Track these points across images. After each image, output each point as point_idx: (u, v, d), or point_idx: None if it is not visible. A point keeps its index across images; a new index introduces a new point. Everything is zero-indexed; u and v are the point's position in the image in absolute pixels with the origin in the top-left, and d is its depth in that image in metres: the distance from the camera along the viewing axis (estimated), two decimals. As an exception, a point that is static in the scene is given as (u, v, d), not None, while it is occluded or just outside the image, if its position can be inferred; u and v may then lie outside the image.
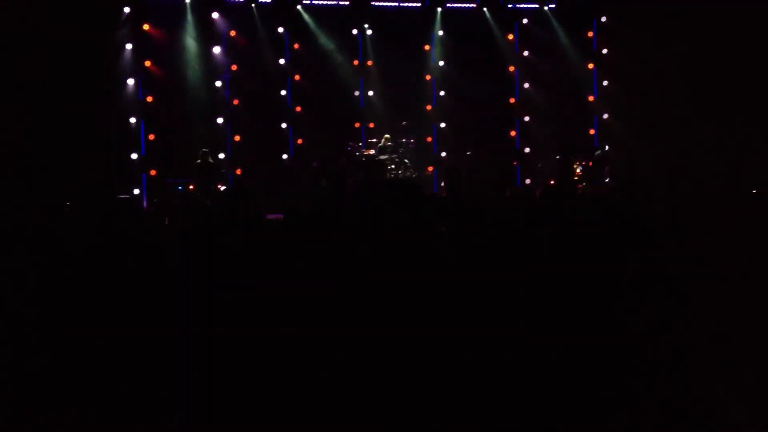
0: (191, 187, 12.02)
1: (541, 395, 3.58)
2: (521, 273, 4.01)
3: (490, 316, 3.76)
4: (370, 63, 13.81)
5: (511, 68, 14.49)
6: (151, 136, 12.35)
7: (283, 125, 13.36)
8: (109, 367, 3.91)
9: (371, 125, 13.59)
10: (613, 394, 3.50)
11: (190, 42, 12.55)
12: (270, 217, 8.00)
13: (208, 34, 12.78)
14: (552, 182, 13.03)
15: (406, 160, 12.85)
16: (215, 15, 12.81)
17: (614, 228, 4.53)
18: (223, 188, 11.81)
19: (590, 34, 14.61)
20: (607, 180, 13.08)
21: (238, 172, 12.77)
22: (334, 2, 13.53)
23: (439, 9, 14.11)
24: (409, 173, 12.64)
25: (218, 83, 12.79)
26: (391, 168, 12.61)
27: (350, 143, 12.89)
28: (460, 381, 3.49)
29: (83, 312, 4.23)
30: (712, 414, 3.37)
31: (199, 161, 11.81)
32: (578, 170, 13.58)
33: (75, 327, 4.10)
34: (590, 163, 13.46)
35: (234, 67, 12.89)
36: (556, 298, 3.97)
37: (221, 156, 12.71)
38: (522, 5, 14.40)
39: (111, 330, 4.02)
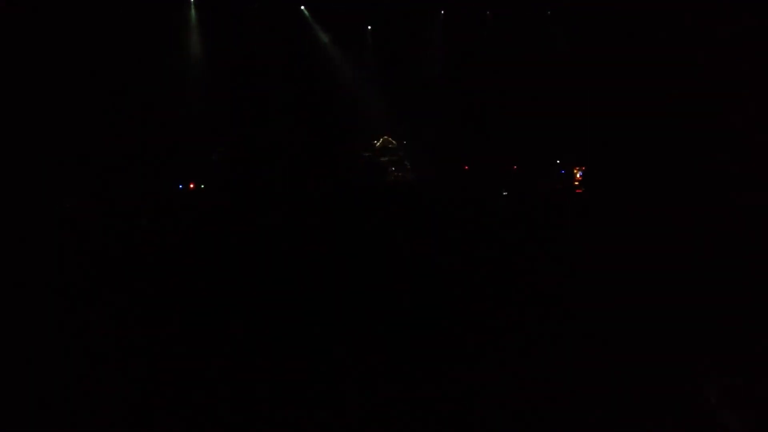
0: (191, 185, 12.04)
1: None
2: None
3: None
4: (370, 63, 13.86)
5: (512, 71, 14.52)
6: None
7: (280, 124, 13.37)
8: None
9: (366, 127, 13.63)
10: (605, 396, 3.52)
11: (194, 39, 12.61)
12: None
13: (209, 31, 12.80)
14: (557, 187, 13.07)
15: (406, 162, 12.87)
16: (216, 11, 12.85)
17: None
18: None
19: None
20: None
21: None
22: (337, 2, 13.57)
23: (442, 11, 14.17)
24: (409, 176, 12.66)
25: (215, 81, 12.79)
26: (392, 170, 12.63)
27: (350, 144, 12.91)
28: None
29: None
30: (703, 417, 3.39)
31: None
32: (578, 175, 13.55)
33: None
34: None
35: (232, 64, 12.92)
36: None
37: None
38: (525, 9, 14.45)
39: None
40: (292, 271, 5.25)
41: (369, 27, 13.82)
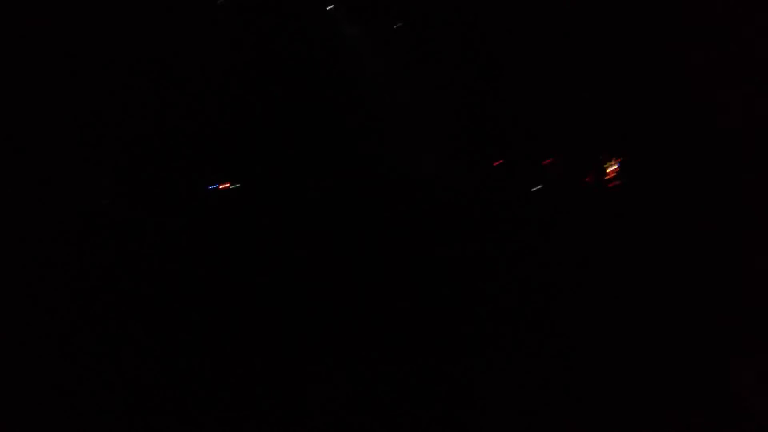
0: (220, 186, 12.21)
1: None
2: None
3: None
4: (387, 57, 13.84)
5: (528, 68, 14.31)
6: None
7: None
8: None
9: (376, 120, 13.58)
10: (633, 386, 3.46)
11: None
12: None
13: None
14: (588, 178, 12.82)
15: (428, 157, 12.82)
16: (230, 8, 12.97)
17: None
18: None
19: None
20: None
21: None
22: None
23: (461, 7, 14.07)
24: (429, 171, 12.62)
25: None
26: (413, 164, 12.61)
27: (369, 140, 12.90)
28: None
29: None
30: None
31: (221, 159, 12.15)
32: (613, 167, 13.26)
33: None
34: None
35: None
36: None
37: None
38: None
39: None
40: (298, 270, 5.27)
41: (385, 19, 13.83)
